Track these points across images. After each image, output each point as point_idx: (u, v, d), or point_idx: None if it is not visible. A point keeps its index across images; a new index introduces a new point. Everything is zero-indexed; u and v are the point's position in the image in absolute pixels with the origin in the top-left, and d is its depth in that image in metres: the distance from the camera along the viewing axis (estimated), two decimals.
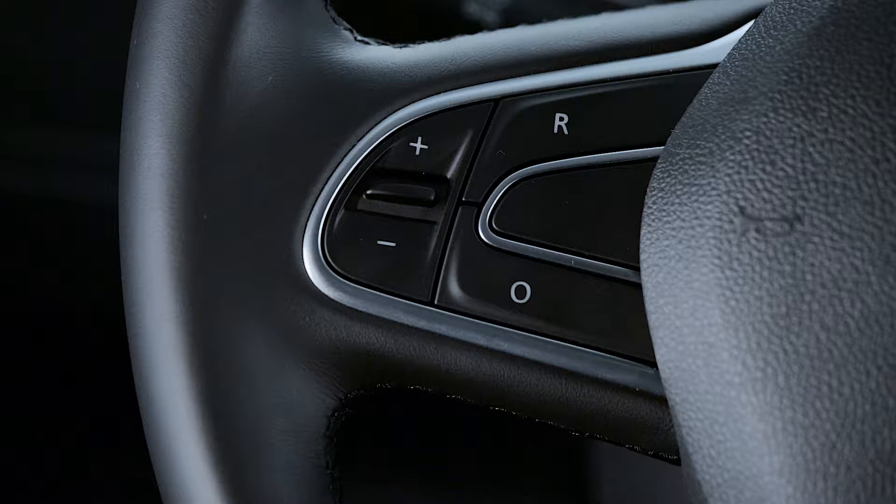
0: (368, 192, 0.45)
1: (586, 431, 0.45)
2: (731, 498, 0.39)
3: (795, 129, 0.41)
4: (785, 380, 0.38)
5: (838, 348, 0.38)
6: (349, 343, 0.44)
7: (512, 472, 1.07)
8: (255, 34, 0.46)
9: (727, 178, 0.41)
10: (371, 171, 0.45)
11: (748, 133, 0.41)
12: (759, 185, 0.40)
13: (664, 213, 0.43)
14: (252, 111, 0.45)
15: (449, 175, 0.46)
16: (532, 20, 0.49)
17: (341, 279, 0.45)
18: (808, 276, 0.39)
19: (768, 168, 0.40)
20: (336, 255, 0.45)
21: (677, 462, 0.44)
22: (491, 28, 0.50)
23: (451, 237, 0.45)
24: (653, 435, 0.44)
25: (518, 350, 0.44)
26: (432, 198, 0.45)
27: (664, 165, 0.44)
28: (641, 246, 0.43)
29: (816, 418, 0.38)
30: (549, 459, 1.07)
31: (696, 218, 0.41)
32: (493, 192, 0.45)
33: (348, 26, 0.48)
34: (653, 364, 0.43)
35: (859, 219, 0.39)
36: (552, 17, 0.50)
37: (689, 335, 0.41)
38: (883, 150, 0.39)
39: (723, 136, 0.42)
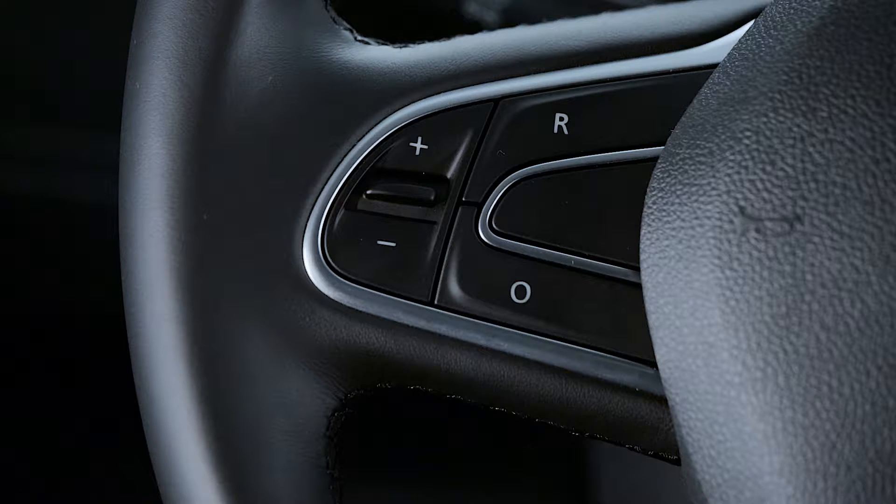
0: (368, 192, 0.45)
1: (586, 431, 0.45)
2: (731, 498, 0.39)
3: (795, 129, 0.41)
4: (785, 380, 0.38)
5: (838, 348, 0.38)
6: (349, 343, 0.44)
7: (512, 472, 1.07)
8: (255, 34, 0.46)
9: (727, 178, 0.41)
10: (371, 171, 0.45)
11: (748, 133, 0.41)
12: (759, 185, 0.40)
13: (664, 213, 0.43)
14: (252, 111, 0.45)
15: (449, 175, 0.46)
16: (532, 20, 0.49)
17: (341, 279, 0.45)
18: (808, 276, 0.39)
19: (768, 168, 0.40)
20: (336, 255, 0.45)
21: (677, 462, 0.44)
22: (491, 28, 0.50)
23: (451, 237, 0.45)
24: (653, 435, 0.44)
25: (518, 350, 0.44)
26: (432, 198, 0.45)
27: (664, 165, 0.44)
28: (641, 246, 0.43)
29: (816, 418, 0.38)
30: (549, 459, 1.07)
31: (696, 218, 0.41)
32: (493, 192, 0.45)
33: (348, 26, 0.48)
34: (653, 364, 0.43)
35: (859, 219, 0.39)
36: (552, 17, 0.50)
37: (689, 335, 0.41)
38: (883, 150, 0.39)
39: (723, 136, 0.42)
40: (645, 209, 0.44)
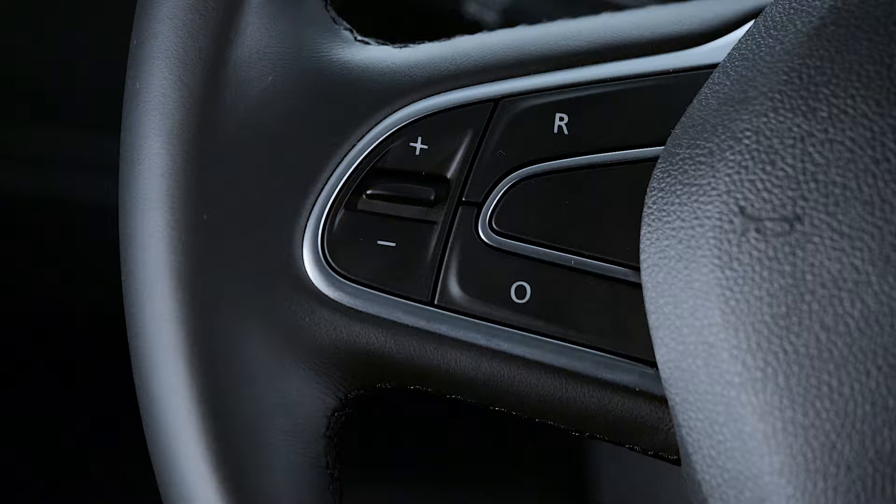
0: (368, 192, 0.45)
1: (586, 431, 0.45)
2: (731, 498, 0.39)
3: (795, 129, 0.41)
4: (785, 380, 0.38)
5: (838, 348, 0.38)
6: (349, 343, 0.44)
7: (512, 472, 1.07)
8: (255, 34, 0.46)
9: (727, 178, 0.41)
10: (371, 171, 0.45)
11: (748, 133, 0.41)
12: (759, 185, 0.40)
13: (664, 213, 0.43)
14: (252, 111, 0.45)
15: (449, 175, 0.46)
16: (532, 20, 0.49)
17: (341, 279, 0.45)
18: (808, 276, 0.39)
19: (768, 168, 0.40)
20: (336, 255, 0.45)
21: (677, 462, 0.44)
22: (491, 28, 0.50)
23: (451, 237, 0.45)
24: (653, 435, 0.44)
25: (518, 350, 0.44)
26: (432, 198, 0.45)
27: (664, 165, 0.44)
28: (641, 246, 0.43)
29: (816, 418, 0.38)
30: (549, 459, 1.07)
31: (696, 218, 0.41)
32: (493, 192, 0.45)
33: (348, 26, 0.48)
34: (653, 364, 0.43)
35: (859, 219, 0.39)
36: (552, 17, 0.50)
37: (689, 335, 0.41)
38: (883, 150, 0.39)
39: (723, 136, 0.42)
40: (645, 209, 0.44)
